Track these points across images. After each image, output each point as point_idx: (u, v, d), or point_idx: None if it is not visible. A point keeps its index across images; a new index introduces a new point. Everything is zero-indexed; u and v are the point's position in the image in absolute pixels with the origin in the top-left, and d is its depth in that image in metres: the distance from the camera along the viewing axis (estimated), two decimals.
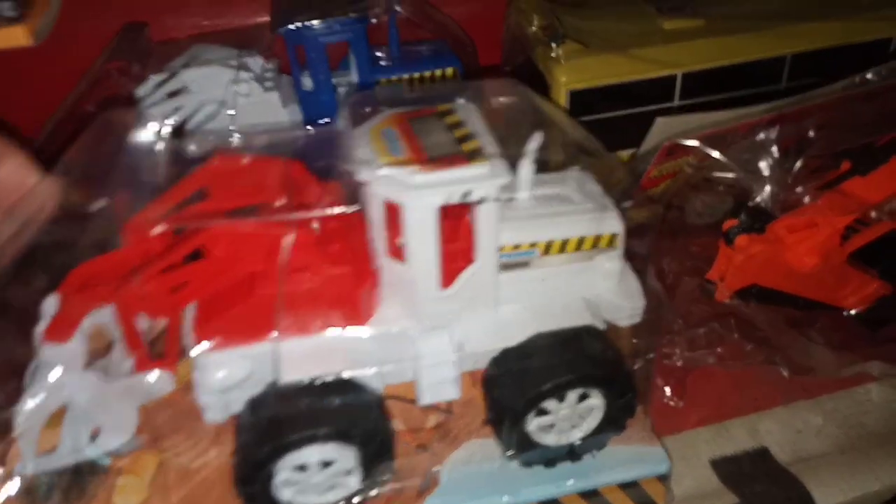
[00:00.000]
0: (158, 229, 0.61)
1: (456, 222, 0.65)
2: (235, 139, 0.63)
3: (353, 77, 0.99)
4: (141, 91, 0.92)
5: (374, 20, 0.97)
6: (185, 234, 0.58)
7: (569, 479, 0.67)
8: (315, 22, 0.93)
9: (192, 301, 0.59)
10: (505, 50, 1.08)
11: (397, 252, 0.60)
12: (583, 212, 0.64)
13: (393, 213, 0.58)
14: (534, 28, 0.96)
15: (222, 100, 0.92)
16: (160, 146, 0.61)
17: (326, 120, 0.95)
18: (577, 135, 0.68)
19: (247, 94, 0.92)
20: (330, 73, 0.98)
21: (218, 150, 0.62)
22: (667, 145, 0.77)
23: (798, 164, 0.75)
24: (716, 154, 0.74)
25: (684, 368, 0.82)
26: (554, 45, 0.90)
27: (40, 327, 0.61)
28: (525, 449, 0.65)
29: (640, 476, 0.68)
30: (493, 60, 1.11)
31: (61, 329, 0.60)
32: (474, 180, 0.55)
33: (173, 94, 0.92)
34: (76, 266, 0.62)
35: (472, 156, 0.57)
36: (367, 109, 0.65)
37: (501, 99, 0.67)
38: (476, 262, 0.60)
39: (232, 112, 0.91)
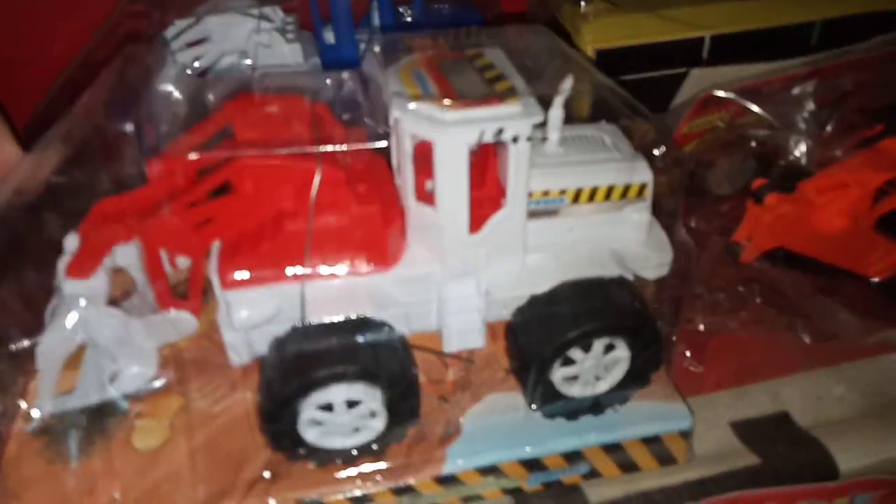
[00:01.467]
0: (183, 164, 0.60)
1: (483, 168, 0.64)
2: (259, 79, 0.62)
3: (376, 31, 0.98)
4: (168, 33, 0.90)
5: None
6: (212, 168, 0.57)
7: (591, 432, 0.66)
8: None
9: (218, 237, 0.58)
10: (529, 9, 1.06)
11: (425, 195, 0.60)
12: (613, 160, 0.63)
13: (422, 155, 0.57)
14: None
15: (243, 50, 0.90)
16: (186, 83, 0.60)
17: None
18: (606, 84, 0.67)
19: (268, 44, 0.91)
20: (353, 27, 0.96)
21: (243, 89, 0.61)
22: (702, 97, 0.76)
23: (833, 120, 0.73)
24: (753, 107, 0.72)
25: (706, 332, 0.81)
26: (583, 2, 0.89)
27: (62, 263, 0.61)
28: (549, 400, 0.65)
29: (662, 431, 0.68)
30: (516, 20, 1.10)
31: (84, 264, 0.59)
32: (507, 118, 0.54)
33: (194, 43, 0.91)
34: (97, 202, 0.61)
35: (504, 95, 0.56)
36: (396, 52, 0.63)
37: (529, 44, 0.66)
38: (506, 206, 0.59)
39: (251, 62, 0.90)
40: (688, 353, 0.80)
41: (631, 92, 0.82)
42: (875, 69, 0.78)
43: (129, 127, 0.57)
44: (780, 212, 0.75)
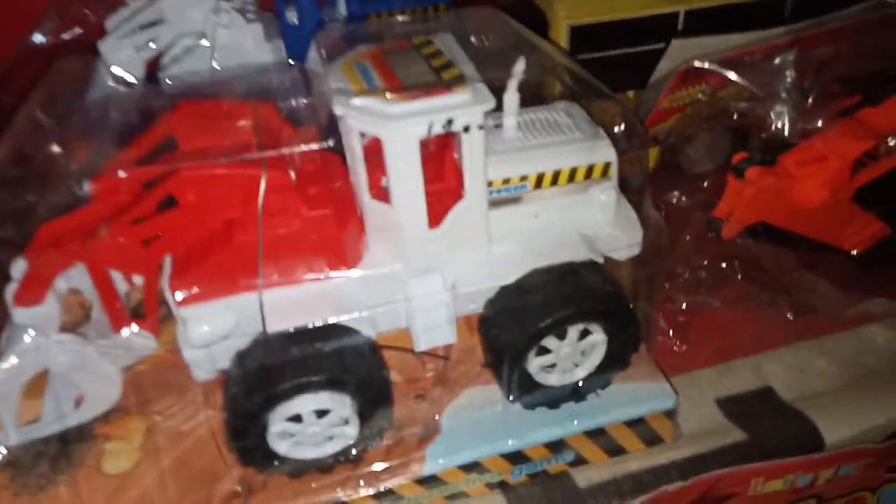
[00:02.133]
0: (126, 180, 0.58)
1: (441, 160, 0.62)
2: (201, 81, 0.59)
3: (342, 11, 0.94)
4: (111, 22, 0.86)
5: None
6: (154, 181, 0.55)
7: (574, 420, 0.65)
8: None
9: (167, 253, 0.56)
10: None
11: (380, 193, 0.57)
12: (574, 141, 0.61)
13: (373, 151, 0.55)
14: None
15: (201, 31, 0.86)
16: (122, 95, 0.57)
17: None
18: (564, 62, 0.65)
19: (228, 25, 0.87)
20: (318, 7, 0.93)
21: (183, 97, 0.59)
22: (683, 69, 0.74)
23: (815, 90, 0.71)
24: (734, 77, 0.70)
25: (688, 311, 0.80)
26: None
27: (9, 291, 0.58)
28: (527, 391, 0.63)
29: (646, 412, 0.66)
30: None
31: (32, 291, 0.57)
32: (456, 107, 0.52)
33: (148, 26, 0.86)
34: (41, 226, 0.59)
35: (452, 83, 0.53)
36: (339, 45, 0.61)
37: (480, 26, 0.64)
38: (465, 198, 0.57)
39: (208, 45, 0.86)
40: (671, 332, 0.78)
41: (607, 69, 0.80)
42: (855, 37, 0.76)
43: (57, 148, 0.54)
44: (760, 186, 0.73)
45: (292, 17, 0.90)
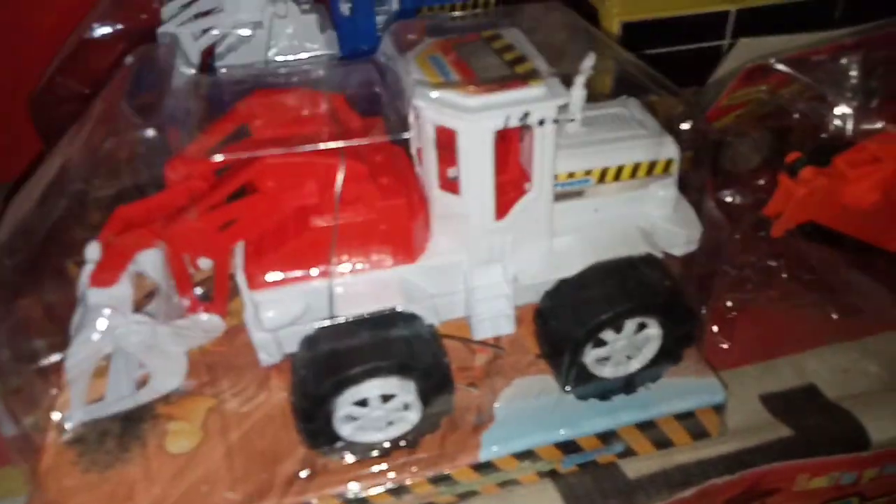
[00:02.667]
0: (199, 166, 0.59)
1: (505, 153, 0.63)
2: (272, 72, 0.60)
3: (394, 4, 0.95)
4: (167, 10, 0.87)
5: None
6: (233, 169, 0.56)
7: (625, 411, 0.66)
8: None
9: (242, 239, 0.57)
10: None
11: (449, 184, 0.59)
12: (638, 137, 0.62)
13: (445, 142, 0.56)
14: None
15: (257, 21, 0.87)
16: (198, 82, 0.59)
17: (364, 49, 0.91)
18: (629, 60, 0.65)
19: (284, 15, 0.88)
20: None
21: (257, 84, 0.60)
22: (749, 68, 0.74)
23: (878, 91, 0.72)
24: (802, 77, 0.71)
25: (733, 308, 0.81)
26: None
27: (84, 272, 0.60)
28: (582, 382, 0.64)
29: (696, 406, 0.67)
30: None
31: (108, 272, 0.58)
32: (532, 101, 0.53)
33: (203, 14, 0.87)
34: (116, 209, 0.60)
35: (528, 77, 0.54)
36: (410, 37, 0.62)
37: (547, 22, 0.65)
38: (532, 190, 0.58)
39: (264, 35, 0.86)
40: (715, 329, 0.79)
41: (656, 65, 0.81)
42: None
43: (152, 132, 0.55)
44: (814, 186, 0.74)
45: (346, 8, 0.91)
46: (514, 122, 0.53)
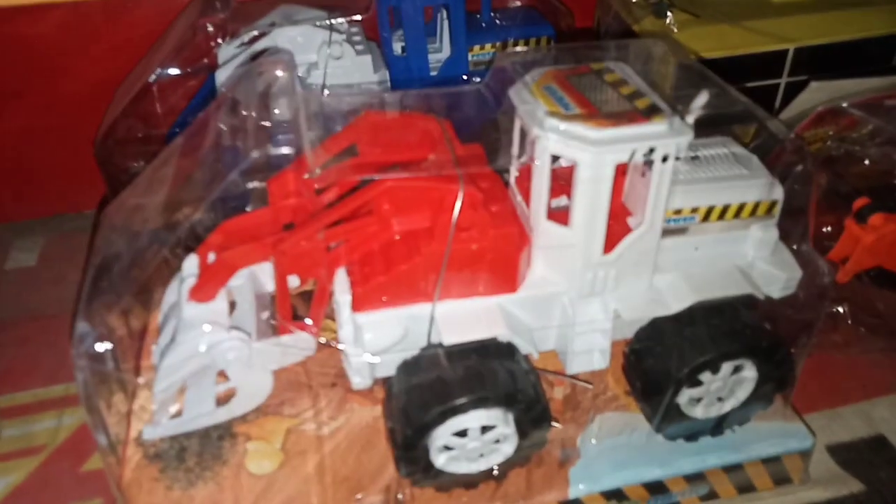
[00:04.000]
0: (301, 184, 0.58)
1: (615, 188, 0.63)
2: (379, 96, 0.60)
3: (445, 42, 0.96)
4: (223, 53, 0.88)
5: None
6: (355, 191, 0.55)
7: (713, 453, 0.65)
8: None
9: (349, 259, 0.56)
10: (598, 22, 1.05)
11: (556, 214, 0.58)
12: (742, 177, 0.61)
13: (557, 173, 0.56)
14: None
15: (313, 62, 0.89)
16: (309, 100, 0.58)
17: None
18: (733, 96, 0.65)
19: (339, 56, 0.89)
20: (425, 37, 0.95)
21: (366, 106, 0.59)
22: (820, 110, 0.74)
23: None
24: (877, 121, 0.71)
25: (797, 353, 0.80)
26: (668, 14, 0.87)
27: (183, 285, 0.59)
28: (672, 421, 0.63)
29: (784, 451, 0.66)
30: (586, 35, 1.08)
31: (209, 287, 0.58)
32: (658, 137, 0.52)
33: (258, 55, 0.88)
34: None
35: (649, 112, 0.54)
36: (514, 69, 0.62)
37: (649, 56, 0.65)
38: (643, 225, 0.57)
39: (320, 75, 0.87)
40: None
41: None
42: None
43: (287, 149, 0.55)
44: (883, 232, 0.74)
45: (398, 48, 0.92)
46: (639, 157, 0.52)
